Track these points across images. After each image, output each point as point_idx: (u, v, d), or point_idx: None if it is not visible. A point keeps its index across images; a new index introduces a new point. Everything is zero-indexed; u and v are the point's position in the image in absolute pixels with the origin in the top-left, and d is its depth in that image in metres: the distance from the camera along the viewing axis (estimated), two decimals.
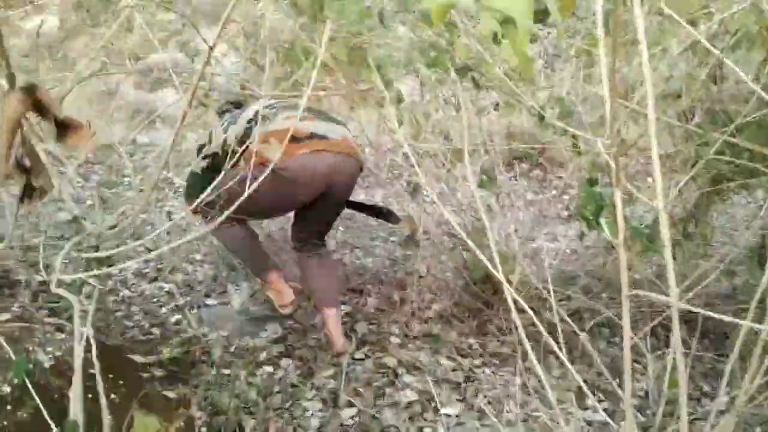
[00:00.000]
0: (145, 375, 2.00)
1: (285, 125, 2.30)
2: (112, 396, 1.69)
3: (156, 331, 2.74)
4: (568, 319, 2.44)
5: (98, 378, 1.13)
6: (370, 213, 2.97)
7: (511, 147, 4.03)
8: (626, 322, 1.64)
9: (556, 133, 2.22)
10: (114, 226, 1.71)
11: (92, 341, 1.26)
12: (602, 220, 1.73)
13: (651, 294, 1.61)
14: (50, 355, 1.75)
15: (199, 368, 2.37)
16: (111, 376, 1.75)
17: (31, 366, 1.67)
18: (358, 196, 5.45)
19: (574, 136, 2.10)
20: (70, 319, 2.23)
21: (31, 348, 1.76)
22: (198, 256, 4.09)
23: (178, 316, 2.89)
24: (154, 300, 3.25)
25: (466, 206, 3.52)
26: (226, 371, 2.38)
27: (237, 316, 2.89)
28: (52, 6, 8.46)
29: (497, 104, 2.89)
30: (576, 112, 2.18)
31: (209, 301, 3.26)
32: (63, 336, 1.89)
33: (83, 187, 5.76)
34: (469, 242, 1.83)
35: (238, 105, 2.90)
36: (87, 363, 1.24)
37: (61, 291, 1.36)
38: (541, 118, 1.99)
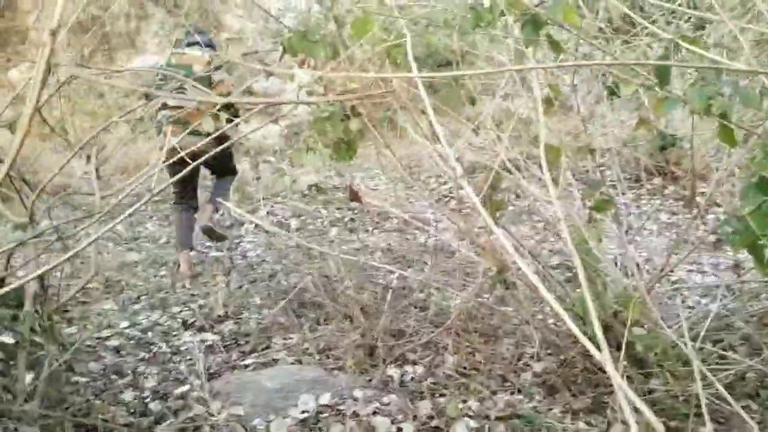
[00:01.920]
0: None
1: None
2: None
3: (155, 407, 2.14)
4: (723, 390, 1.62)
5: None
6: None
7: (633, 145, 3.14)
8: None
9: (698, 115, 1.40)
10: None
11: None
12: None
13: None
14: None
15: None
16: None
17: None
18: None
19: (723, 114, 1.28)
20: None
21: None
22: (258, 300, 3.51)
23: (185, 387, 2.27)
24: (188, 359, 2.67)
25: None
26: None
27: (267, 383, 2.23)
28: (153, 47, 8.49)
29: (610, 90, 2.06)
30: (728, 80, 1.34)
31: (248, 361, 2.64)
32: None
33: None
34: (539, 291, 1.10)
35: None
36: None
37: None
38: (663, 80, 1.19)
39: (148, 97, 3.53)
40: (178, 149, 3.11)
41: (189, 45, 4.01)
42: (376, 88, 1.87)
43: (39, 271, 1.32)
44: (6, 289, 1.22)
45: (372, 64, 1.95)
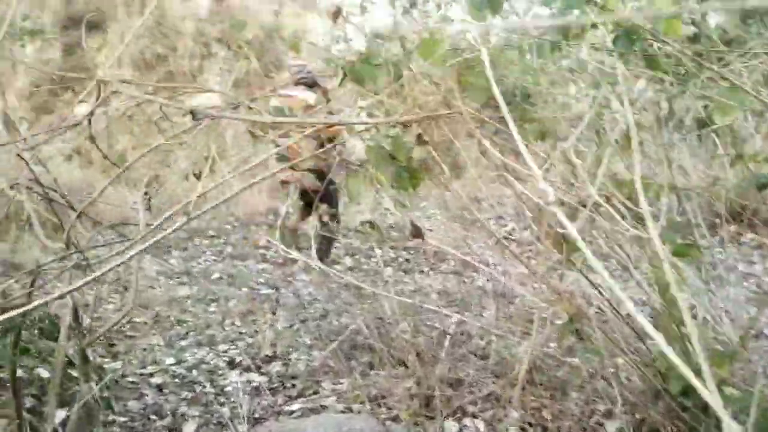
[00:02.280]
0: None
1: None
2: None
3: None
4: None
5: None
6: None
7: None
8: None
9: None
10: None
11: None
12: None
13: None
14: None
15: None
16: None
17: None
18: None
19: None
20: None
21: None
22: (308, 340, 3.35)
23: None
24: (232, 401, 2.53)
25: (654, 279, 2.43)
26: None
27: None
28: (215, 84, 8.61)
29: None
30: None
31: (294, 406, 2.47)
32: None
33: None
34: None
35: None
36: None
37: None
38: None
39: (194, 116, 3.51)
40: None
41: (296, 84, 4.13)
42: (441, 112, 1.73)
43: (53, 296, 1.19)
44: (12, 313, 1.10)
45: (438, 89, 1.80)
